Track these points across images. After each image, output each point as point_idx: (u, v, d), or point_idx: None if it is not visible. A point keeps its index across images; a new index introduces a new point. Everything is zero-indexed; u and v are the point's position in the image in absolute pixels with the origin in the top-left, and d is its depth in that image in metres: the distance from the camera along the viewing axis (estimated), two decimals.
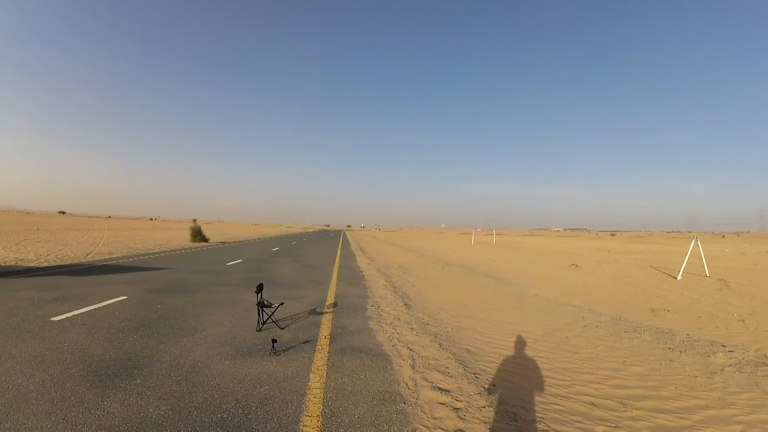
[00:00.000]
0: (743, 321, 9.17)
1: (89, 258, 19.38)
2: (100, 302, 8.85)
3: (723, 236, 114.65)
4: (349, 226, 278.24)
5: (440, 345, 6.66)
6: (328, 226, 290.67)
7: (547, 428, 3.93)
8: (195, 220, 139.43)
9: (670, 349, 6.93)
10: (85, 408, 3.83)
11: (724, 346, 7.16)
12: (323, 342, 6.45)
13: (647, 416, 4.33)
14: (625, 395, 4.90)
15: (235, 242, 40.72)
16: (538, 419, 4.12)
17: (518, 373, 5.54)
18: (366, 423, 3.81)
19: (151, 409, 3.84)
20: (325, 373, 5.04)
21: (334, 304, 9.69)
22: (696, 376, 5.65)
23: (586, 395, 4.85)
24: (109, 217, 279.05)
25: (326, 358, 5.63)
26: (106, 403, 3.95)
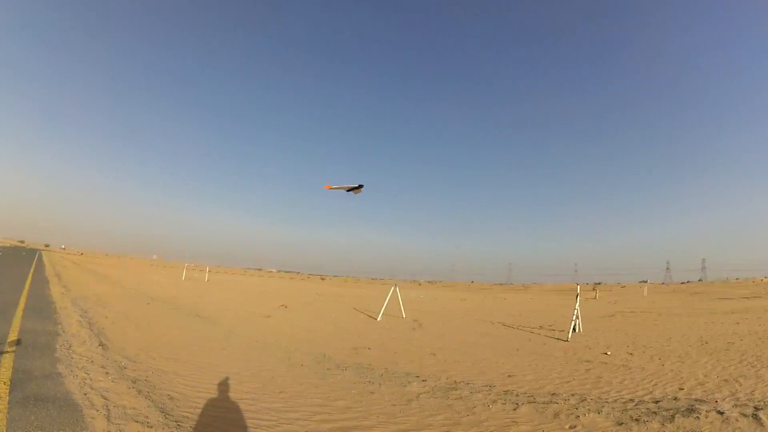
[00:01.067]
0: (434, 354, 10.35)
1: None
2: None
3: (420, 284, 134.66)
4: (47, 246, 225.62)
5: (139, 391, 6.19)
6: (23, 242, 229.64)
7: None
8: None
9: (370, 382, 7.50)
10: None
11: (418, 376, 8.04)
12: (2, 390, 5.53)
13: None
14: (331, 428, 5.26)
15: None
16: None
17: (224, 417, 5.49)
18: None
19: None
20: (4, 429, 4.46)
21: (18, 342, 8.29)
22: (395, 405, 6.26)
23: None
24: None
25: (6, 411, 4.86)
26: None
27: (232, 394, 6.58)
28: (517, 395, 6.95)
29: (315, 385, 7.34)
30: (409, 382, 7.62)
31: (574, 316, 14.58)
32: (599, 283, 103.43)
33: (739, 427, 5.43)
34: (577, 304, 14.99)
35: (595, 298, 47.03)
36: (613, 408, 6.31)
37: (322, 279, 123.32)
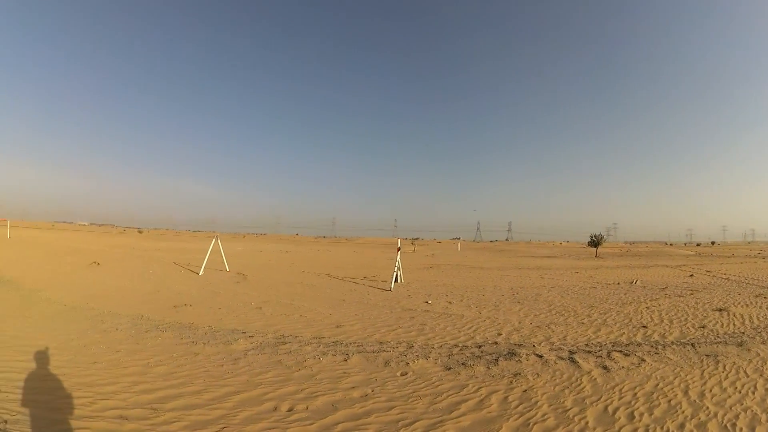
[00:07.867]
0: (260, 308, 9.64)
1: None
2: None
3: (244, 236, 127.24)
4: None
5: None
6: None
7: None
8: None
9: (193, 342, 6.67)
10: None
11: (245, 332, 7.35)
12: None
13: (181, 416, 4.08)
14: (154, 399, 4.49)
15: None
16: None
17: (32, 400, 4.31)
18: None
19: None
20: None
21: None
22: (222, 365, 5.59)
23: (113, 408, 4.22)
24: None
25: None
26: None
27: (39, 371, 5.29)
28: (347, 345, 6.70)
29: (132, 351, 6.28)
30: (235, 340, 6.87)
31: (396, 268, 14.36)
32: (417, 239, 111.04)
33: (559, 369, 5.63)
34: (398, 256, 14.81)
35: (413, 251, 49.53)
36: (439, 353, 6.31)
37: (140, 232, 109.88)
